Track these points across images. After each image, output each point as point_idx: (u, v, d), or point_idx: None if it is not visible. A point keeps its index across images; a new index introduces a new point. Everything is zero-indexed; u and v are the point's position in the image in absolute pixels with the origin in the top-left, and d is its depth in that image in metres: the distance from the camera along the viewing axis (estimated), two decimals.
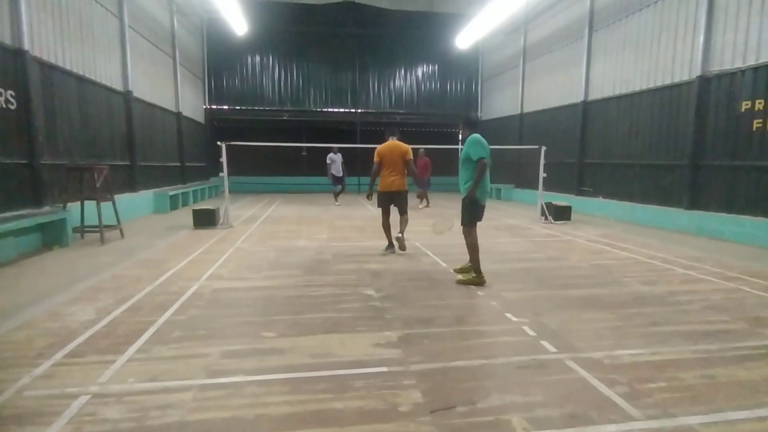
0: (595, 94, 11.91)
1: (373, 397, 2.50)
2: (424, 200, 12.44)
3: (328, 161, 13.58)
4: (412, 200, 6.97)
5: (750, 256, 6.51)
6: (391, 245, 6.52)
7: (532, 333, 3.45)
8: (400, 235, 6.34)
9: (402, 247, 6.40)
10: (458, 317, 3.89)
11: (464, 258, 5.21)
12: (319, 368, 2.84)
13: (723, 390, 2.60)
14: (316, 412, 2.35)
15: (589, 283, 4.95)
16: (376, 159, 6.28)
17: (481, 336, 3.44)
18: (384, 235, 6.56)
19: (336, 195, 13.90)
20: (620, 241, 7.61)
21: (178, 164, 14.63)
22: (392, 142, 6.29)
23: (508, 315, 3.86)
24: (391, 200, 6.36)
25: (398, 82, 20.43)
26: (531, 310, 3.98)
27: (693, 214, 8.70)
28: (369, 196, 6.57)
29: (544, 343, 3.25)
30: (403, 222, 6.39)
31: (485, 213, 4.96)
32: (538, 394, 2.53)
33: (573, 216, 10.22)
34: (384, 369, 2.83)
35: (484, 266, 5.00)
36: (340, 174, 13.67)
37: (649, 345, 3.23)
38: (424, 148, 12.79)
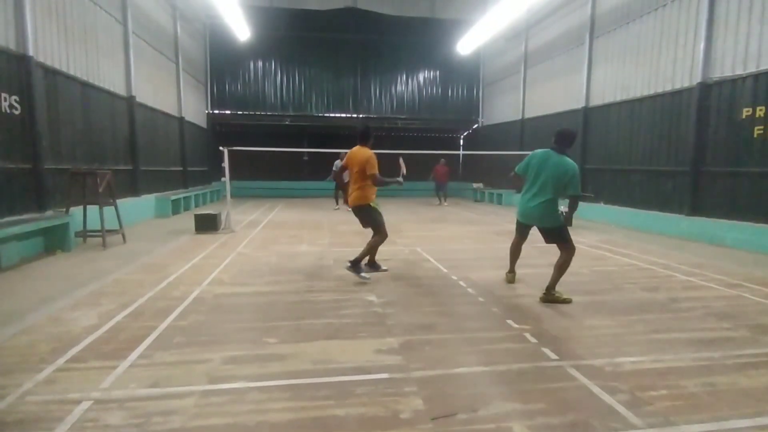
0: (596, 100, 11.95)
1: (374, 403, 2.50)
2: (443, 200, 16.13)
3: (334, 168, 13.89)
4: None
5: (752, 262, 6.50)
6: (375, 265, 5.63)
7: (533, 340, 3.45)
8: (348, 263, 5.16)
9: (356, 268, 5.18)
10: (459, 324, 3.89)
11: (464, 264, 5.23)
12: (320, 374, 2.84)
13: (724, 398, 2.59)
14: (318, 418, 2.35)
15: (590, 290, 4.95)
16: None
17: (482, 343, 3.43)
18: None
19: (336, 198, 14.19)
20: (621, 247, 7.61)
21: (180, 169, 14.67)
22: (355, 148, 5.31)
23: (509, 321, 3.86)
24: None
25: (400, 87, 20.51)
26: (532, 317, 3.98)
27: (694, 220, 8.70)
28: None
29: (546, 350, 3.25)
30: (368, 244, 5.27)
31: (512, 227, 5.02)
32: (539, 402, 2.53)
33: (574, 222, 10.12)
34: (385, 375, 2.83)
35: (486, 272, 5.14)
36: (344, 180, 13.98)
37: (650, 352, 3.23)
38: (444, 159, 15.92)
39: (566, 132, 4.53)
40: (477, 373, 2.89)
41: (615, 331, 3.66)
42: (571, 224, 4.61)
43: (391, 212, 12.90)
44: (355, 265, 5.13)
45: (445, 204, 15.83)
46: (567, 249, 4.48)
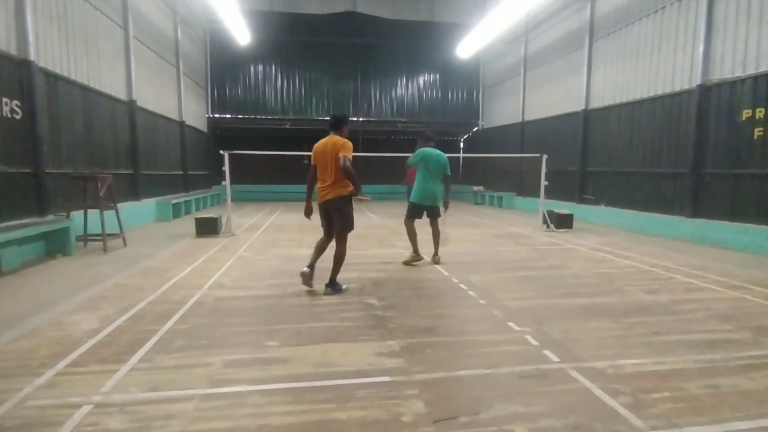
0: (596, 103, 11.97)
1: (375, 407, 2.49)
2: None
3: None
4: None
5: (753, 264, 6.49)
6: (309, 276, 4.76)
7: (534, 342, 3.44)
8: (306, 271, 4.67)
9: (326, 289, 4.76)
10: (460, 326, 3.88)
11: (465, 267, 5.22)
12: (321, 378, 2.83)
13: (727, 400, 2.58)
14: (319, 422, 2.35)
15: (591, 292, 4.94)
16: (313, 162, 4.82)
17: (483, 345, 3.43)
18: (311, 259, 4.91)
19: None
20: (622, 250, 7.60)
21: (181, 173, 14.69)
22: (327, 138, 4.73)
23: (511, 324, 3.85)
24: (327, 215, 4.80)
25: (400, 90, 20.56)
26: (533, 319, 3.97)
27: (695, 222, 8.69)
28: (308, 213, 4.99)
29: (547, 352, 3.24)
30: (336, 259, 4.78)
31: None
32: (541, 405, 2.52)
33: (575, 224, 10.21)
34: (386, 379, 2.82)
35: (486, 274, 5.22)
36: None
37: (652, 354, 3.21)
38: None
39: (429, 134, 6.50)
40: (478, 376, 2.88)
41: (616, 333, 3.65)
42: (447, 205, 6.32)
43: (390, 215, 12.90)
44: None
45: None
46: (437, 221, 6.34)
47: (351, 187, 4.60)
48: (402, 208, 15.18)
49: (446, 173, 6.19)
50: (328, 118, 5.07)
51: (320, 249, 4.90)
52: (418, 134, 6.56)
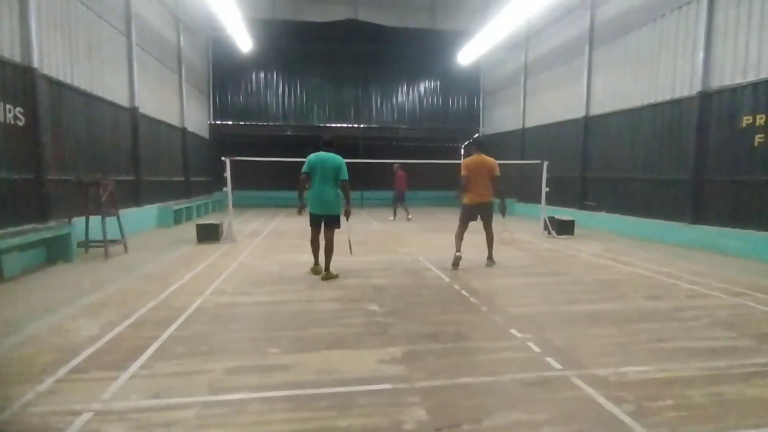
0: (597, 110, 12.00)
1: (377, 414, 2.48)
2: (405, 213, 13.55)
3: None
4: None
5: (755, 270, 6.47)
6: (458, 256, 6.42)
7: (536, 349, 3.42)
8: (492, 261, 6.70)
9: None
10: (462, 333, 3.87)
11: (467, 273, 5.27)
12: (322, 385, 2.82)
13: (731, 408, 2.57)
14: (320, 430, 2.33)
15: (593, 298, 4.93)
16: (463, 173, 6.46)
17: (485, 352, 3.41)
18: (455, 243, 6.53)
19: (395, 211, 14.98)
20: (624, 256, 7.58)
21: (183, 179, 14.72)
22: (477, 157, 6.51)
23: (513, 331, 3.84)
24: (480, 211, 6.58)
25: (401, 97, 20.64)
26: (535, 326, 3.95)
27: (696, 228, 8.68)
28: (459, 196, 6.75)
29: (549, 359, 3.23)
30: (489, 240, 6.72)
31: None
32: (543, 412, 2.50)
33: (576, 230, 10.19)
34: (388, 386, 2.81)
35: (488, 281, 5.17)
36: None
37: (655, 362, 3.20)
38: (399, 163, 13.53)
39: (329, 138, 5.83)
40: (481, 383, 2.87)
41: (619, 340, 3.63)
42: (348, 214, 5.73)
43: (391, 221, 12.90)
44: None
45: (410, 217, 13.22)
46: (333, 232, 5.72)
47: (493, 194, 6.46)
48: (401, 213, 15.25)
49: (342, 178, 5.57)
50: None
51: (459, 237, 6.55)
52: (318, 138, 6.16)
